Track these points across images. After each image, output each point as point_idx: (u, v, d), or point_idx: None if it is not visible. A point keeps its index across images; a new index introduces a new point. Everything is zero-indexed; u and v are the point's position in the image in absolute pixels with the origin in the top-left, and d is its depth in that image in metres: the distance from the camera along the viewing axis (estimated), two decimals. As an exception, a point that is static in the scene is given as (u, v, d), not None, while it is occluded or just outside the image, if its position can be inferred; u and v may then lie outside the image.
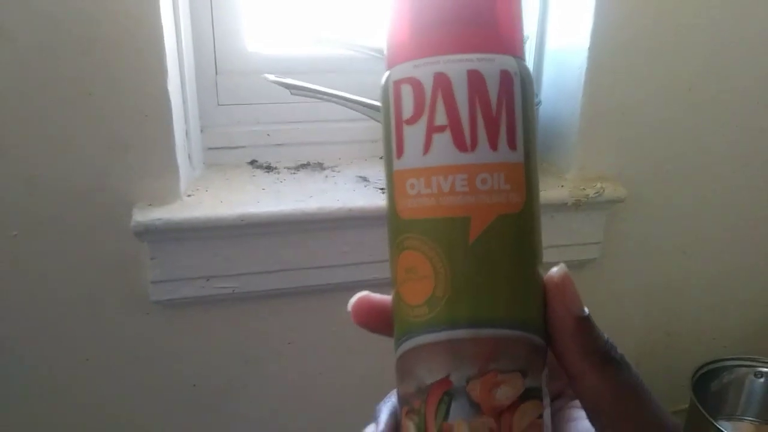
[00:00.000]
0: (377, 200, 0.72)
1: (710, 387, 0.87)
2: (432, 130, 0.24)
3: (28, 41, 0.60)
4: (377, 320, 0.28)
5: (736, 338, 0.95)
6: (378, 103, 0.82)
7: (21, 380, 0.72)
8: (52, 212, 0.66)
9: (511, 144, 0.24)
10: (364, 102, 0.77)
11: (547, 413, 0.26)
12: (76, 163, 0.65)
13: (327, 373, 0.80)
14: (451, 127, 0.24)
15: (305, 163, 0.83)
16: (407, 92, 0.25)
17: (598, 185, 0.79)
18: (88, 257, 0.68)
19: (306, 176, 0.79)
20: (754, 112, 0.85)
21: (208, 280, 0.70)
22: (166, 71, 0.64)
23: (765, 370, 0.88)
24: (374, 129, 0.83)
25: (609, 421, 0.26)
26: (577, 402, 0.30)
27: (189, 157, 0.74)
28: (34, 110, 0.63)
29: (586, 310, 0.25)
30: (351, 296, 0.82)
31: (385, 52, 0.26)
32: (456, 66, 0.24)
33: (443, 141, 0.24)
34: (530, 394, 0.25)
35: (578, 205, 0.78)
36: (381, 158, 0.85)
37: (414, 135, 0.25)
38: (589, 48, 0.75)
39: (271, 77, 0.72)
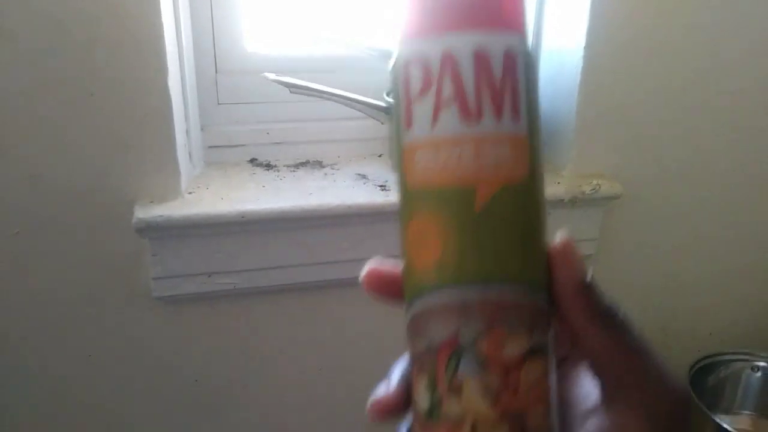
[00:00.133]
0: (376, 197, 0.73)
1: (707, 382, 0.87)
2: (439, 103, 0.26)
3: (29, 41, 0.61)
4: (388, 289, 0.29)
5: (733, 333, 0.96)
6: (377, 102, 0.83)
7: (24, 377, 0.72)
8: (54, 210, 0.67)
9: (516, 116, 0.26)
10: (363, 101, 0.77)
11: (552, 372, 0.27)
12: (77, 162, 0.66)
13: (328, 368, 0.81)
14: (458, 101, 0.25)
15: (305, 161, 0.84)
16: (416, 68, 0.26)
17: (595, 182, 0.79)
18: (90, 255, 0.69)
19: (305, 174, 0.80)
20: (750, 111, 0.86)
21: (209, 276, 0.71)
22: (167, 70, 0.65)
23: (761, 364, 0.89)
24: (373, 127, 0.83)
25: (614, 380, 0.26)
26: (581, 365, 0.30)
27: (189, 155, 0.75)
28: (35, 110, 0.63)
29: (590, 275, 0.26)
30: (351, 293, 0.83)
31: (395, 29, 0.27)
32: (462, 42, 0.25)
33: (450, 114, 0.25)
34: (536, 353, 0.26)
35: (574, 202, 0.79)
36: (380, 156, 0.86)
37: (422, 108, 0.26)
38: (585, 47, 0.76)
39: (271, 76, 0.73)
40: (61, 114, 0.64)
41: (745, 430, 0.87)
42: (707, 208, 0.89)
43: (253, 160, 0.83)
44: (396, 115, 0.27)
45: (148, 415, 0.77)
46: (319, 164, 0.83)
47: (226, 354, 0.77)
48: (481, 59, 0.25)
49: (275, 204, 0.70)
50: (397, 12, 0.27)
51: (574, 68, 0.77)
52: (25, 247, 0.67)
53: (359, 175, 0.79)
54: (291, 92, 0.74)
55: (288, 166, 0.82)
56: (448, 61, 0.25)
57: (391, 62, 0.27)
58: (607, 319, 0.26)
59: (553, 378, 0.27)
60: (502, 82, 0.25)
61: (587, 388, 0.29)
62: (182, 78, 0.71)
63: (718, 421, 0.75)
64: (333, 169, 0.82)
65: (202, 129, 0.80)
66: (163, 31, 0.63)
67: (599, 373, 0.27)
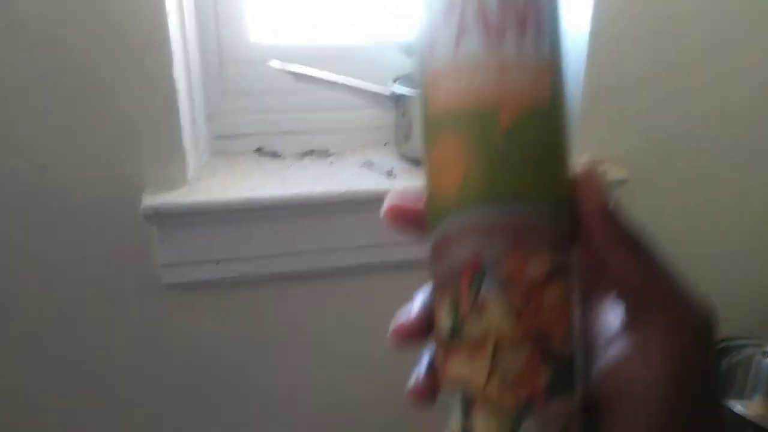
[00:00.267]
0: (383, 184, 0.73)
1: (719, 367, 0.87)
2: (463, 25, 0.26)
3: (37, 32, 0.61)
4: (409, 220, 0.29)
5: (744, 318, 0.95)
6: (382, 90, 0.83)
7: (32, 364, 0.73)
8: (64, 198, 0.67)
9: (539, 37, 0.26)
10: (368, 89, 0.78)
11: (575, 296, 0.27)
12: (85, 151, 0.66)
13: (336, 355, 0.81)
14: (481, 21, 0.25)
15: (311, 150, 0.84)
16: None
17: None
18: (99, 242, 0.70)
19: (311, 163, 0.80)
20: (756, 94, 0.85)
21: (217, 263, 0.71)
22: (172, 59, 0.65)
23: (773, 349, 0.88)
24: (379, 116, 0.83)
25: (637, 302, 0.26)
26: (604, 300, 0.30)
27: (196, 144, 0.75)
28: (44, 100, 0.64)
29: (613, 200, 0.26)
30: (359, 280, 0.83)
31: None
32: None
33: (473, 35, 0.26)
34: (559, 274, 0.26)
35: (582, 187, 0.78)
36: (385, 145, 0.86)
37: (445, 33, 0.26)
38: (590, 31, 0.76)
39: (276, 64, 0.73)
40: (69, 103, 0.64)
41: (757, 415, 0.86)
42: (715, 191, 0.89)
43: (259, 150, 0.83)
44: (419, 42, 0.27)
45: (157, 402, 0.78)
46: (325, 153, 0.83)
47: (234, 340, 0.77)
48: None
49: (282, 191, 0.70)
50: None
51: (580, 52, 0.77)
52: (34, 236, 0.68)
53: (365, 163, 0.80)
54: (296, 81, 0.75)
55: (294, 155, 0.82)
56: None
57: None
58: (631, 242, 0.26)
59: (575, 302, 0.27)
60: (525, 2, 0.25)
61: (610, 318, 0.29)
62: (187, 67, 0.72)
63: (729, 405, 0.74)
64: (339, 157, 0.82)
65: (207, 119, 0.80)
66: (167, 21, 0.63)
67: (622, 296, 0.27)
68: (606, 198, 0.26)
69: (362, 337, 0.81)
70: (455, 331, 0.27)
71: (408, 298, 0.31)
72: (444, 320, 0.27)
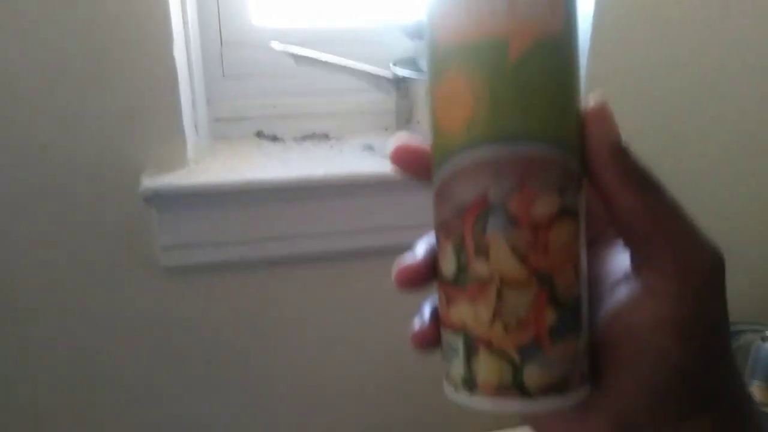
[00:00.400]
0: (384, 167, 0.73)
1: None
2: None
3: (36, 13, 0.61)
4: (415, 163, 0.28)
5: (743, 304, 0.95)
6: (384, 73, 0.82)
7: (32, 348, 0.73)
8: (62, 180, 0.67)
9: None
10: (370, 71, 0.77)
11: (582, 238, 0.26)
12: (84, 132, 0.66)
13: (336, 339, 0.81)
14: None
15: (311, 134, 0.83)
16: None
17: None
18: (99, 224, 0.69)
19: (312, 146, 0.80)
20: (761, 79, 0.85)
21: (216, 246, 0.71)
22: (172, 39, 0.64)
23: (772, 335, 0.88)
24: (380, 101, 0.83)
25: (644, 242, 0.26)
26: (612, 246, 0.30)
27: (195, 127, 0.75)
28: (43, 80, 0.63)
29: (624, 139, 0.26)
30: (360, 264, 0.83)
31: None
32: None
33: None
34: (567, 214, 0.25)
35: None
36: (386, 129, 0.85)
37: None
38: (593, 14, 0.75)
39: (277, 46, 0.72)
40: (68, 84, 0.64)
41: (756, 400, 0.86)
42: (718, 176, 0.88)
43: (259, 133, 0.83)
44: None
45: (157, 386, 0.77)
46: (325, 137, 0.83)
47: (233, 324, 0.77)
48: None
49: (282, 173, 0.70)
50: None
51: (583, 35, 0.77)
52: (33, 218, 0.67)
53: (366, 146, 0.79)
54: (297, 63, 0.74)
55: (294, 138, 0.82)
56: None
57: None
58: (641, 180, 0.25)
59: (583, 244, 0.27)
60: None
61: (618, 261, 0.28)
62: (187, 49, 0.71)
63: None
64: (339, 141, 0.82)
65: (207, 102, 0.80)
66: (168, 2, 0.63)
67: (631, 236, 0.26)
68: (616, 135, 0.26)
69: (363, 320, 0.81)
70: (459, 273, 0.26)
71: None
72: (448, 262, 0.27)
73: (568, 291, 0.26)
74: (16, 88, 0.63)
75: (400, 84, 0.78)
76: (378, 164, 0.74)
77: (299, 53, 0.73)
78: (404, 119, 0.80)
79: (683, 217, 0.26)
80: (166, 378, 0.77)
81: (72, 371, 0.75)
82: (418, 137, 0.29)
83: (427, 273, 0.28)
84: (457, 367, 0.27)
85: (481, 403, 0.26)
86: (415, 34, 0.78)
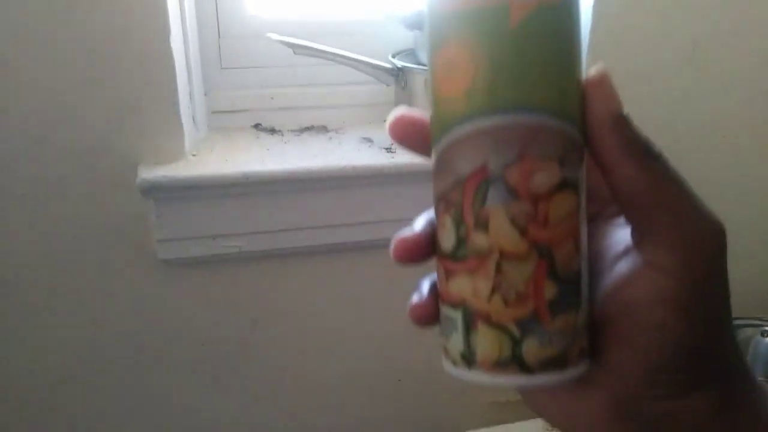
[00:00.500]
0: (382, 160, 0.72)
1: (716, 347, 0.86)
2: None
3: (33, 3, 0.60)
4: (415, 136, 0.28)
5: (743, 298, 0.95)
6: (382, 63, 0.82)
7: (28, 340, 0.72)
8: (59, 172, 0.66)
9: None
10: (368, 62, 0.77)
11: (583, 211, 0.26)
12: (81, 123, 0.65)
13: (334, 332, 0.81)
14: None
15: (309, 126, 0.83)
16: None
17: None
18: (95, 217, 0.69)
19: (310, 138, 0.79)
20: (760, 72, 0.84)
21: (214, 239, 0.71)
22: (169, 29, 0.64)
23: (771, 329, 0.88)
24: (379, 92, 0.83)
25: (645, 215, 0.25)
26: (612, 222, 0.29)
27: (193, 119, 0.74)
28: (39, 71, 0.63)
29: (625, 110, 0.25)
30: (358, 257, 0.83)
31: None
32: None
33: None
34: (567, 185, 0.25)
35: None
36: (385, 121, 0.85)
37: None
38: (593, 6, 0.75)
39: (275, 36, 0.72)
40: (64, 75, 0.63)
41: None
42: (717, 169, 0.88)
43: (257, 125, 0.82)
44: None
45: (154, 379, 0.77)
46: (324, 129, 0.82)
47: (231, 317, 0.77)
48: None
49: (280, 165, 0.69)
50: None
51: (583, 28, 0.76)
52: (29, 209, 0.67)
53: (365, 138, 0.79)
54: (295, 53, 0.74)
55: (292, 130, 0.81)
56: None
57: None
58: (642, 151, 0.25)
59: (583, 217, 0.26)
60: None
61: (619, 236, 0.28)
62: (185, 40, 0.71)
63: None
64: (338, 133, 0.81)
65: (205, 94, 0.79)
66: (165, -10, 0.62)
67: (632, 209, 0.26)
68: (618, 104, 0.25)
69: (361, 313, 0.81)
70: (458, 246, 0.26)
71: (407, 274, 0.31)
72: (447, 235, 0.26)
73: (568, 265, 0.25)
74: (12, 80, 0.62)
75: (399, 75, 0.78)
76: (376, 157, 0.73)
77: (297, 44, 0.72)
78: (403, 111, 0.79)
79: (685, 189, 0.25)
80: (162, 371, 0.77)
81: (68, 364, 0.74)
82: (417, 110, 0.28)
83: (426, 247, 0.28)
84: (456, 342, 0.27)
85: (479, 377, 0.26)
86: (415, 25, 0.78)
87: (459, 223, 0.26)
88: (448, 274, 0.27)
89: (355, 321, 0.81)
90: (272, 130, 0.81)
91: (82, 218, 0.69)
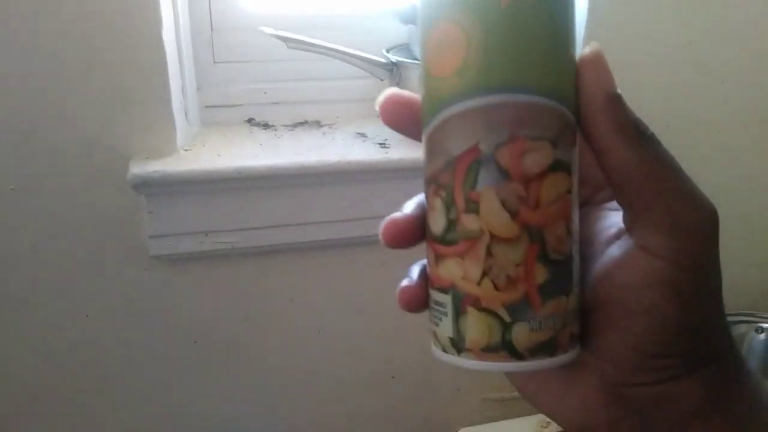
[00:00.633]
0: (376, 155, 0.72)
1: (711, 344, 0.86)
2: None
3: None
4: (405, 117, 0.28)
5: (737, 294, 0.95)
6: (376, 57, 0.81)
7: (21, 337, 0.72)
8: (50, 166, 0.66)
9: None
10: (362, 56, 0.76)
11: (575, 194, 0.26)
12: (72, 117, 0.65)
13: (327, 329, 0.80)
14: None
15: (303, 121, 0.82)
16: None
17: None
18: (86, 212, 0.68)
19: (304, 133, 0.78)
20: (755, 67, 0.84)
21: (206, 235, 0.70)
22: (162, 22, 0.63)
23: (766, 325, 0.88)
24: (372, 87, 0.82)
25: (638, 197, 0.25)
26: (604, 207, 0.29)
27: (186, 114, 0.73)
28: (29, 66, 0.62)
29: (618, 89, 0.25)
30: (352, 253, 0.82)
31: None
32: None
33: None
34: (560, 167, 0.25)
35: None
36: (379, 116, 0.84)
37: None
38: (589, 1, 0.75)
39: (268, 30, 0.71)
40: (56, 68, 0.63)
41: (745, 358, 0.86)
42: (712, 164, 0.88)
43: (250, 120, 0.81)
44: None
45: (147, 375, 0.77)
46: (317, 124, 0.82)
47: (224, 314, 0.76)
48: None
49: (273, 160, 0.69)
50: None
51: (579, 23, 0.76)
52: (20, 204, 0.66)
53: (358, 133, 0.78)
54: (288, 48, 0.73)
55: (286, 125, 0.81)
56: None
57: None
58: (634, 131, 0.24)
59: (575, 200, 0.26)
60: None
61: (610, 221, 0.28)
62: (177, 34, 0.70)
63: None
64: (332, 128, 0.81)
65: (198, 88, 0.79)
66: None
67: (624, 191, 0.25)
68: (611, 83, 0.25)
69: (354, 309, 0.80)
70: (449, 229, 0.26)
71: (402, 269, 0.30)
72: (437, 217, 0.26)
73: (560, 248, 0.25)
74: (2, 72, 0.62)
75: (393, 70, 0.77)
76: (370, 152, 0.73)
77: (291, 38, 0.72)
78: (397, 107, 0.78)
79: (678, 171, 0.25)
80: (154, 367, 0.77)
81: (59, 361, 0.74)
82: (406, 92, 0.28)
83: (417, 230, 0.27)
84: (445, 327, 0.26)
85: (469, 362, 0.26)
86: (409, 19, 0.77)
87: (449, 205, 0.25)
88: (437, 258, 0.26)
89: (348, 317, 0.80)
90: (265, 125, 0.80)
91: (73, 214, 0.68)
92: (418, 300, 0.28)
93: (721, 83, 0.84)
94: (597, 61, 0.25)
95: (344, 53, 0.74)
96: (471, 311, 0.25)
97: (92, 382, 0.75)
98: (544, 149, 0.24)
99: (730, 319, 0.89)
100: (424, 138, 0.27)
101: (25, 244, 0.68)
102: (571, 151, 0.25)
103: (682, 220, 0.24)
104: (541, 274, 0.25)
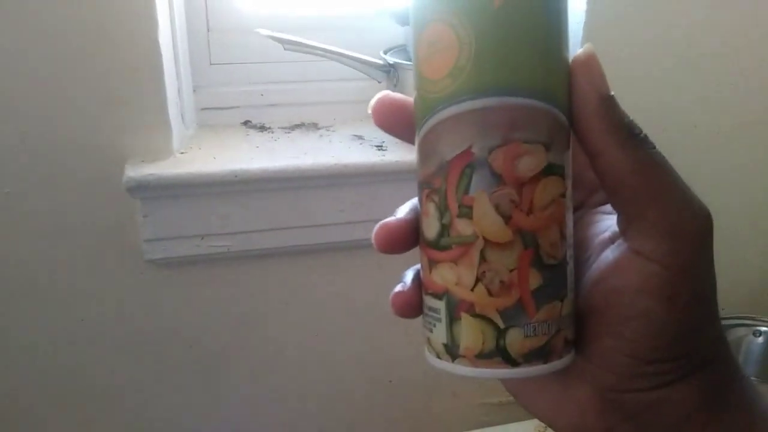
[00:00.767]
0: (373, 157, 0.71)
1: (709, 347, 0.86)
2: None
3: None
4: (398, 120, 0.27)
5: (735, 298, 0.94)
6: (373, 59, 0.81)
7: (14, 340, 0.71)
8: (45, 169, 0.65)
9: None
10: (359, 58, 0.76)
11: (569, 198, 0.26)
12: (67, 120, 0.64)
13: (323, 333, 0.80)
14: None
15: (300, 123, 0.82)
16: None
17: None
18: (81, 215, 0.68)
19: (300, 135, 0.78)
20: (754, 65, 0.84)
21: (202, 238, 0.70)
22: (157, 24, 0.63)
23: (764, 329, 0.88)
24: (370, 89, 0.81)
25: (632, 200, 0.24)
26: (597, 212, 0.29)
27: (182, 116, 0.73)
28: (25, 65, 0.62)
29: (612, 90, 0.24)
30: (349, 256, 0.82)
31: None
32: None
33: None
34: (553, 170, 0.25)
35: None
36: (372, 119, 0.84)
37: None
38: (587, 1, 0.74)
39: (264, 31, 0.71)
40: (51, 70, 0.62)
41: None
42: (710, 164, 0.88)
43: (246, 122, 0.81)
44: None
45: (141, 380, 0.76)
46: (314, 126, 0.81)
47: (219, 318, 0.76)
48: None
49: (269, 163, 0.68)
50: None
51: (577, 24, 0.76)
52: (14, 207, 0.66)
53: (355, 136, 0.78)
54: (285, 49, 0.73)
55: (282, 128, 0.80)
56: None
57: None
58: (628, 134, 0.24)
59: (569, 204, 0.26)
60: None
61: (604, 225, 0.28)
62: (173, 35, 0.69)
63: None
64: (328, 130, 0.80)
65: (194, 90, 0.78)
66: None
67: (618, 194, 0.25)
68: (605, 85, 0.24)
69: (352, 313, 0.80)
70: (442, 234, 0.25)
71: (398, 274, 0.30)
72: (430, 222, 0.26)
73: (554, 253, 0.25)
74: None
75: (390, 72, 0.77)
76: (367, 155, 0.72)
77: (288, 40, 0.71)
78: (395, 109, 0.78)
79: (672, 175, 0.25)
80: (149, 372, 0.76)
81: (53, 365, 0.73)
82: (398, 95, 0.28)
83: (409, 235, 0.27)
84: (439, 333, 0.26)
85: (463, 369, 0.26)
86: (406, 20, 0.77)
87: (443, 210, 0.25)
88: (431, 264, 0.26)
89: (345, 321, 0.80)
90: (262, 128, 0.80)
91: (67, 217, 0.67)
92: (412, 306, 0.27)
93: (718, 85, 0.84)
94: (590, 62, 0.25)
95: (341, 55, 0.74)
96: (465, 317, 0.25)
97: (86, 385, 0.75)
98: (537, 153, 0.24)
99: (727, 322, 0.89)
100: (416, 141, 0.26)
101: (20, 248, 0.67)
102: (565, 155, 0.25)
103: (677, 224, 0.24)
104: (535, 280, 0.25)
